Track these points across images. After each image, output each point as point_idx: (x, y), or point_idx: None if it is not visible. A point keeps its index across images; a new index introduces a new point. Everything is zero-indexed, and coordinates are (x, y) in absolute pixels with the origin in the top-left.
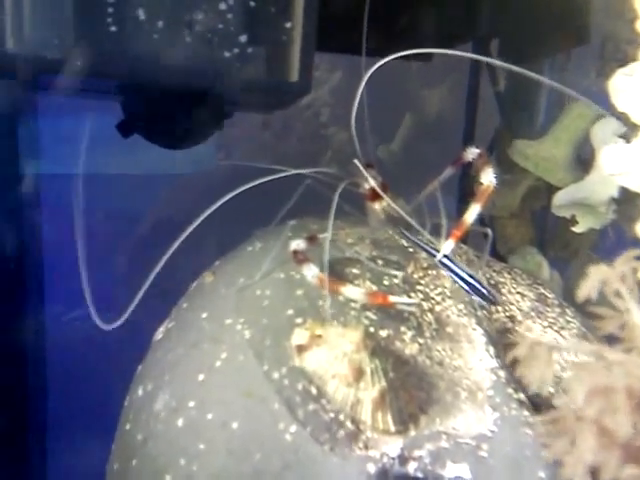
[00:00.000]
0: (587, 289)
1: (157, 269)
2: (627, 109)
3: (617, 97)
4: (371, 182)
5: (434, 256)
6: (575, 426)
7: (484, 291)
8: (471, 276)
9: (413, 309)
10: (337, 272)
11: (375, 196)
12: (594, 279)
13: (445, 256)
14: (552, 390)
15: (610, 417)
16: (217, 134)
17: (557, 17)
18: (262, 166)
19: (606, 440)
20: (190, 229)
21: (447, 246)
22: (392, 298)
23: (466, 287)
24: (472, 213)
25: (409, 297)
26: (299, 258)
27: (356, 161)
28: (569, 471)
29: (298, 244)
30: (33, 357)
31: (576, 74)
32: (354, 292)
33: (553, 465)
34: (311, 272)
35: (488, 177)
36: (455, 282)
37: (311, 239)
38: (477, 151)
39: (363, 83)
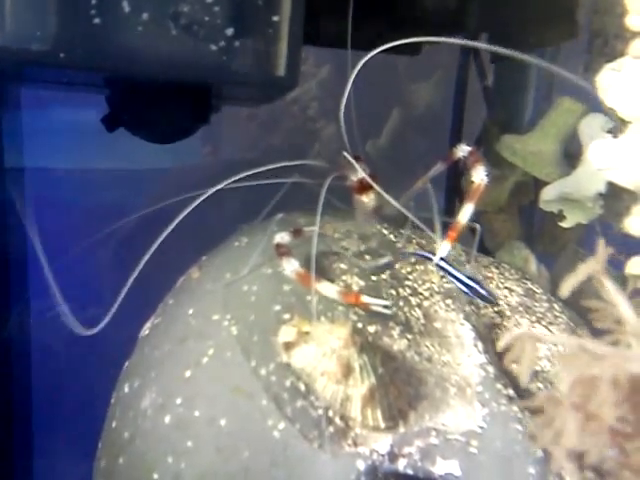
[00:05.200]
0: (573, 283)
1: (138, 269)
2: (615, 104)
3: (605, 92)
4: (362, 173)
5: (430, 260)
6: (559, 414)
7: (483, 292)
8: (470, 277)
9: (386, 311)
10: (324, 267)
11: (363, 189)
12: (583, 274)
13: (442, 259)
14: (541, 386)
15: (595, 406)
16: (203, 128)
17: (546, 12)
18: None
19: (591, 426)
20: (170, 227)
21: (444, 249)
22: (365, 298)
23: (465, 289)
24: (466, 212)
25: (397, 292)
26: (281, 251)
27: (345, 153)
28: (555, 457)
29: (282, 237)
30: (18, 353)
31: (564, 69)
32: (329, 289)
33: (543, 461)
34: (291, 266)
35: (480, 175)
36: (453, 284)
37: (296, 232)
38: (468, 148)
39: (352, 76)
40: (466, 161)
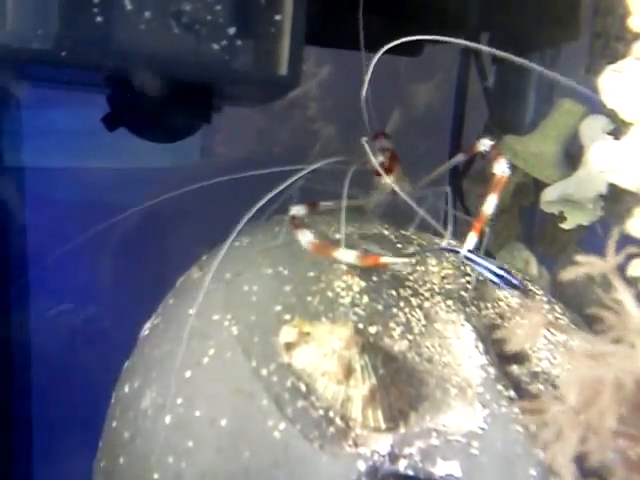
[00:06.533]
0: (573, 274)
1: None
2: (616, 106)
3: (607, 94)
4: (375, 163)
5: (457, 253)
6: (561, 416)
7: (515, 281)
8: (500, 267)
9: (407, 269)
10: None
11: (383, 170)
12: (584, 268)
13: (469, 250)
14: (542, 387)
15: (596, 408)
16: (204, 127)
17: (547, 13)
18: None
19: (594, 428)
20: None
21: (470, 240)
22: (385, 259)
23: (495, 279)
24: (490, 204)
25: (398, 293)
26: (296, 223)
27: (363, 140)
28: (555, 461)
29: (298, 210)
30: (18, 351)
31: (565, 70)
32: (347, 255)
33: (544, 462)
34: (305, 238)
35: (502, 167)
36: (483, 275)
37: (312, 205)
38: (490, 142)
39: (371, 67)
40: (487, 155)
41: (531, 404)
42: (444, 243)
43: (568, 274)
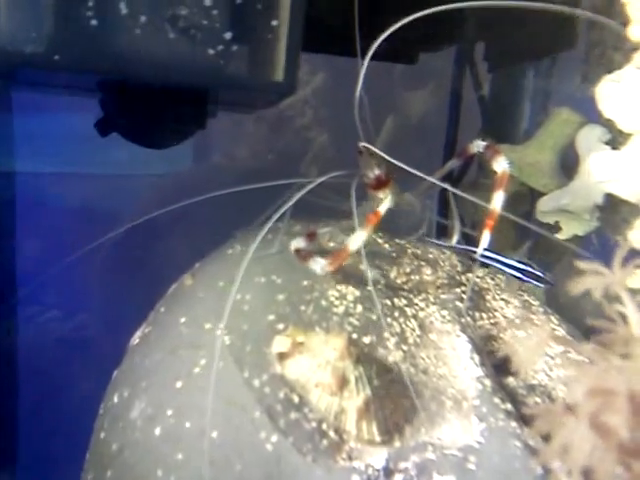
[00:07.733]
0: (583, 286)
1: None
2: (614, 116)
3: (604, 103)
4: (393, 161)
5: (474, 252)
6: (569, 426)
7: (538, 272)
8: (520, 261)
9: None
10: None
11: (379, 185)
12: (594, 281)
13: (485, 249)
14: (539, 400)
15: (608, 417)
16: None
17: (542, 22)
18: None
19: (602, 440)
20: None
21: (485, 239)
22: (380, 209)
23: (518, 274)
24: (498, 200)
25: (392, 303)
26: (303, 255)
27: (373, 148)
28: (559, 475)
29: (298, 242)
30: (4, 359)
31: (561, 79)
32: (357, 238)
33: (542, 477)
34: (319, 265)
35: (501, 165)
36: (502, 271)
37: (310, 235)
38: (483, 143)
39: (363, 69)
40: (484, 155)
41: (539, 414)
42: (453, 242)
43: (576, 285)
